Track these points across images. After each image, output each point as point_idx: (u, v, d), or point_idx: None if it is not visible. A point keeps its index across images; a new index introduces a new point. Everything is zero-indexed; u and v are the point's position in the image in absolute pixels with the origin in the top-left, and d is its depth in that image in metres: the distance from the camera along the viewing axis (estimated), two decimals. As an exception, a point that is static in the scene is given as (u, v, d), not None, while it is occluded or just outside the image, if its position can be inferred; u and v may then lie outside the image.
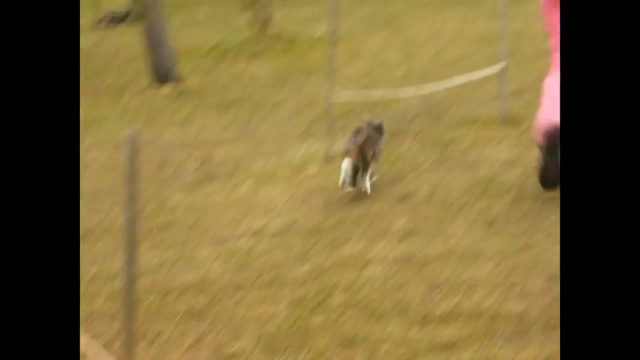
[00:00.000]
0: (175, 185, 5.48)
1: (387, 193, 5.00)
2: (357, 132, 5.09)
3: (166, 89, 8.11)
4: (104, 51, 10.42)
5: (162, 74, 8.27)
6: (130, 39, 10.15)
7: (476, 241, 4.30)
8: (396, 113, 6.61)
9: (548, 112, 5.10)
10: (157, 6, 8.53)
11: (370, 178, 5.00)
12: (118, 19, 12.01)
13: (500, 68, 6.20)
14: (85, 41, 9.45)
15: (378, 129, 5.18)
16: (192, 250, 4.46)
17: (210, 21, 11.97)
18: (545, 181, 4.82)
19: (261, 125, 6.76)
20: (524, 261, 4.06)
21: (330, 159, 5.58)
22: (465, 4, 11.85)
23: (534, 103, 6.55)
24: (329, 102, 5.84)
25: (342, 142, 5.16)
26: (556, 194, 4.48)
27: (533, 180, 4.94)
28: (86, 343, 3.27)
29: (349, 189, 4.89)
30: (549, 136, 4.86)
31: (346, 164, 4.90)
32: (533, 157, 5.33)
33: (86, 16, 10.86)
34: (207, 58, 9.55)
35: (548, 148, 4.81)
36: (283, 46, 9.81)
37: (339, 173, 5.12)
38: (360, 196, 4.95)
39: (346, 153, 4.95)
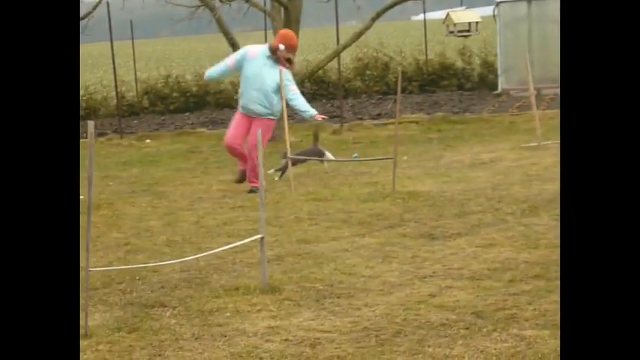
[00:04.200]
0: None
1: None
2: None
3: None
4: None
5: None
6: None
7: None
8: (157, 282, 6.51)
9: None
10: None
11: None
12: None
13: (259, 236, 6.26)
14: None
15: None
16: None
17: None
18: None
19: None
20: None
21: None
22: (227, 170, 12.05)
23: (294, 269, 6.66)
24: (86, 272, 5.62)
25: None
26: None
27: (295, 349, 4.96)
28: None
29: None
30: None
31: None
32: (294, 325, 5.36)
33: None
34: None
35: None
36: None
37: (95, 351, 5.02)
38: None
39: None
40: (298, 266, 6.75)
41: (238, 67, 10.31)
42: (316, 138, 11.48)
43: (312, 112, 10.25)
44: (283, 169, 10.86)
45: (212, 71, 10.62)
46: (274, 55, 10.17)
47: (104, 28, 18.80)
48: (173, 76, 22.04)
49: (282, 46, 10.14)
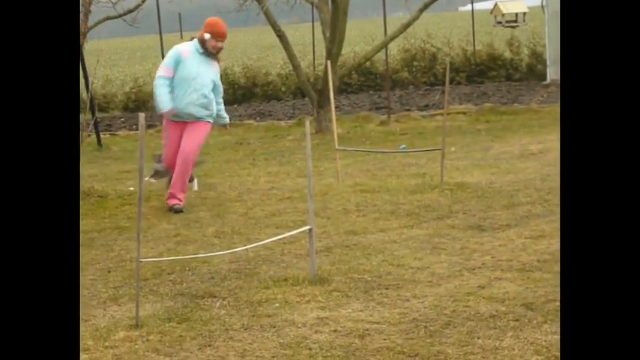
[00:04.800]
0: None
1: None
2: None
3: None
4: None
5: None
6: None
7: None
8: (206, 273, 6.57)
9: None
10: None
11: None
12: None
13: (308, 228, 6.28)
14: None
15: None
16: None
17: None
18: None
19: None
20: None
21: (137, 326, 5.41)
22: (275, 162, 12.10)
23: (343, 261, 6.67)
24: (137, 263, 5.68)
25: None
26: None
27: (343, 340, 4.97)
28: None
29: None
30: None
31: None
32: (342, 316, 5.38)
33: None
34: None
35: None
36: (94, 202, 9.65)
37: (146, 341, 5.09)
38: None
39: None
40: (346, 257, 6.77)
41: (175, 72, 9.18)
42: None
43: (227, 119, 9.78)
44: (157, 174, 9.88)
45: (165, 101, 9.16)
46: (204, 48, 9.30)
47: (153, 20, 18.97)
48: (221, 68, 22.16)
49: (207, 35, 9.21)
